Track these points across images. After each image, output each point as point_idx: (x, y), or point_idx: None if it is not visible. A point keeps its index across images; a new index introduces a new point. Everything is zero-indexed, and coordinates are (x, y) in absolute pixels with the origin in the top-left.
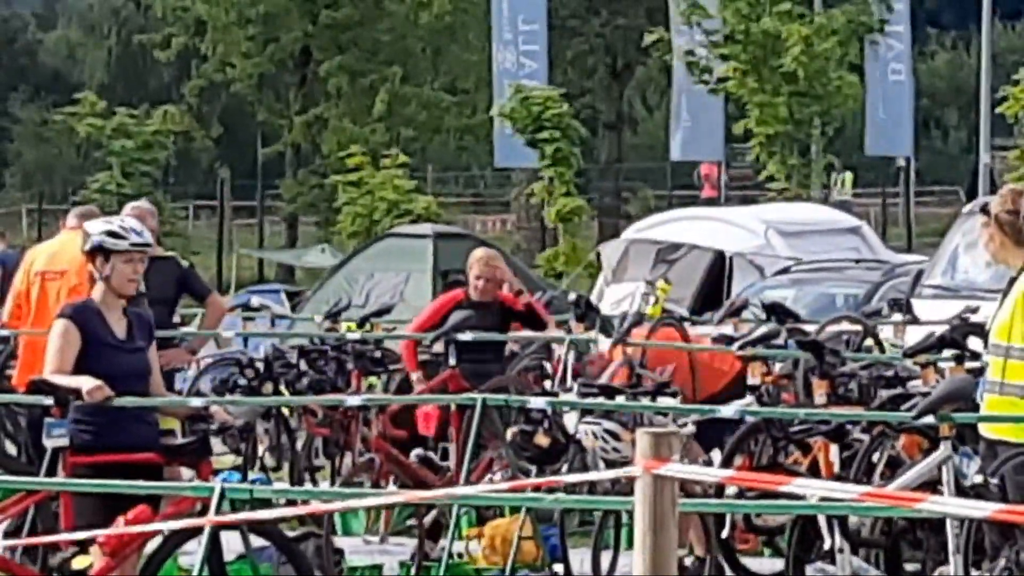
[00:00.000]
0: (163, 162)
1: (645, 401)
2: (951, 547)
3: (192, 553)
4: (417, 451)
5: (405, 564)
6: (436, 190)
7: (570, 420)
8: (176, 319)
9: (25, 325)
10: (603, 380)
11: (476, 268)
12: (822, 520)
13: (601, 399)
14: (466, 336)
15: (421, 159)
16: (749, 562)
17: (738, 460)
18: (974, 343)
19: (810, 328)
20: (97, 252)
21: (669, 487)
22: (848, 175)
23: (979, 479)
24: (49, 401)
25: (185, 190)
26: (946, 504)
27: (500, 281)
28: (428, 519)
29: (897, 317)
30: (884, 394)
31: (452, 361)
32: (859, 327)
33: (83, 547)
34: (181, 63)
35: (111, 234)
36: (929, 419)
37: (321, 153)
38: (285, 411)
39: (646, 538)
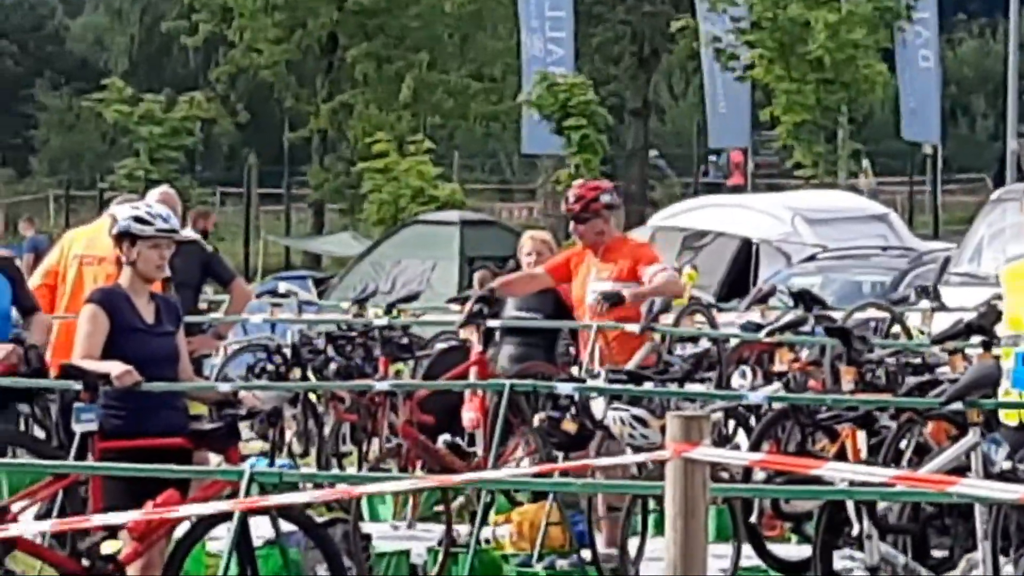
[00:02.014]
0: (190, 148)
1: (673, 387)
2: (979, 533)
3: (221, 538)
4: (444, 437)
5: (433, 550)
6: (462, 177)
7: (597, 406)
8: (203, 305)
9: (57, 307)
10: (631, 366)
11: (528, 245)
12: (850, 506)
13: (629, 385)
14: (494, 323)
15: (447, 146)
16: (776, 549)
17: (765, 447)
18: (1001, 330)
19: (837, 315)
20: (124, 237)
21: (700, 471)
22: (866, 163)
23: (1007, 465)
24: (78, 386)
25: (211, 176)
26: (978, 487)
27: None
28: (455, 504)
29: (924, 304)
30: (911, 381)
31: (479, 347)
32: (886, 314)
33: (112, 532)
34: (208, 49)
35: (138, 219)
36: (957, 406)
37: (347, 140)
38: (312, 397)
39: (676, 522)
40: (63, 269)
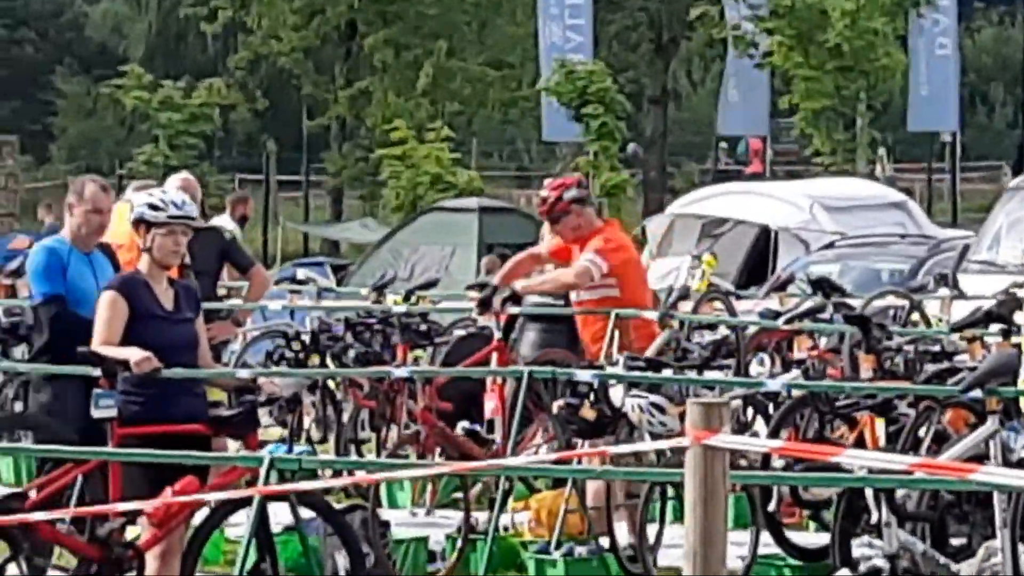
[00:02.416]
0: (209, 135)
1: (691, 374)
2: (998, 521)
3: (240, 525)
4: (463, 424)
5: (451, 537)
6: (480, 164)
7: (616, 393)
8: (222, 292)
9: None
10: (649, 353)
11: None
12: (869, 494)
13: (647, 372)
14: (514, 309)
15: (466, 133)
16: (794, 536)
17: (784, 434)
18: (1021, 318)
19: (856, 303)
20: (139, 224)
21: (720, 458)
22: (882, 151)
23: None
24: (97, 372)
25: (230, 163)
26: (996, 475)
27: None
28: (474, 491)
29: (943, 292)
30: (930, 368)
31: (498, 333)
32: (905, 302)
33: (131, 518)
34: (226, 36)
35: (151, 206)
36: (976, 393)
37: (366, 127)
38: (331, 384)
39: (696, 509)
40: None
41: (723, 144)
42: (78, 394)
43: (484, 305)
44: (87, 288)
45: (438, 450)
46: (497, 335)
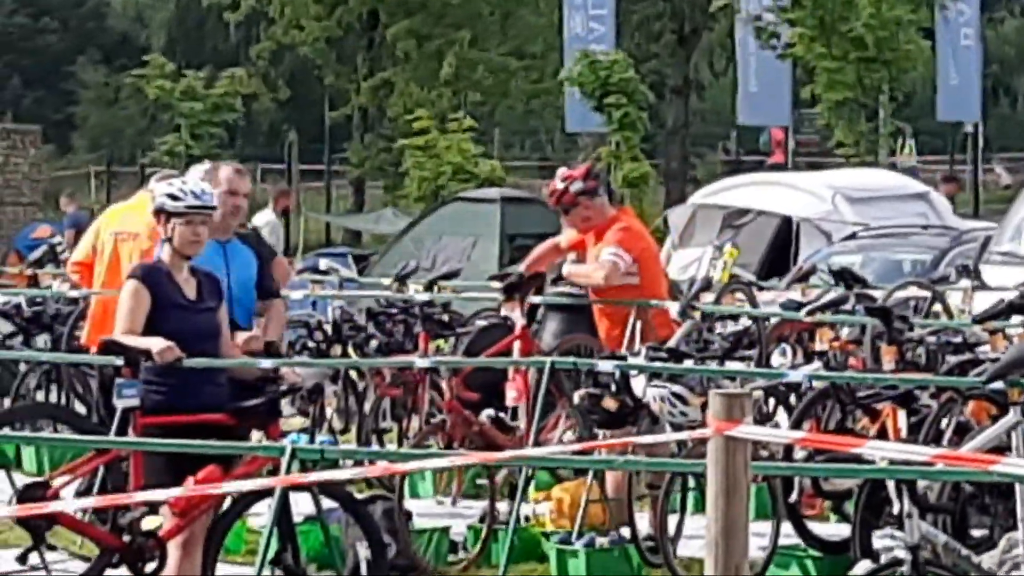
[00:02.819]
0: (231, 124)
1: (713, 365)
2: (1020, 512)
3: (262, 514)
4: (488, 412)
5: (473, 527)
6: (503, 154)
7: (638, 384)
8: None
9: (93, 284)
10: (671, 344)
11: None
12: (890, 485)
13: (669, 363)
14: (536, 299)
15: (488, 123)
16: (816, 527)
17: (805, 425)
18: None
19: (878, 294)
20: (159, 213)
21: (741, 449)
22: (911, 141)
23: None
24: (120, 362)
25: (252, 153)
26: (1018, 467)
27: None
28: (499, 478)
29: (965, 283)
30: (952, 360)
31: (522, 321)
32: (927, 293)
33: (153, 507)
34: (248, 26)
35: (170, 196)
36: (998, 385)
37: (388, 117)
38: (353, 373)
39: (718, 500)
40: (100, 246)
41: (733, 134)
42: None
43: (510, 290)
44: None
45: (462, 439)
46: (521, 322)
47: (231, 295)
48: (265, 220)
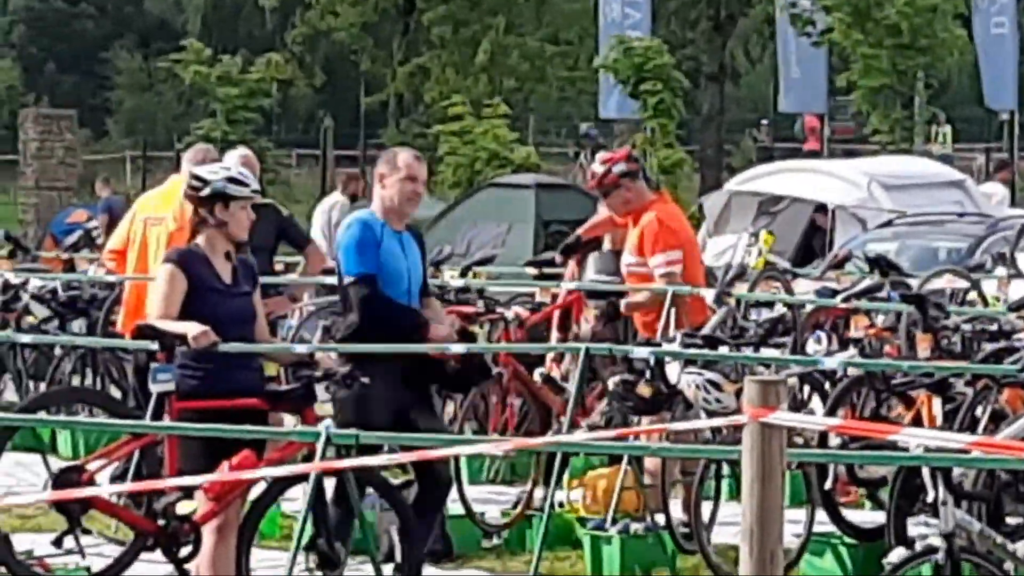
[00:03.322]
0: (267, 110)
1: (748, 352)
2: None
3: (296, 499)
4: (540, 370)
5: (507, 512)
6: (538, 140)
7: (672, 371)
8: (278, 267)
9: (126, 269)
10: (706, 331)
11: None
12: (925, 472)
13: (704, 349)
14: (570, 285)
15: (523, 109)
16: (850, 514)
17: (840, 412)
18: None
19: (913, 281)
20: (217, 198)
21: (777, 436)
22: (947, 129)
23: None
24: (155, 346)
25: (288, 138)
26: None
27: None
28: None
29: (1001, 271)
30: (988, 348)
31: (572, 284)
32: (962, 280)
33: (187, 492)
34: (284, 11)
35: (232, 180)
36: None
37: (423, 102)
38: None
39: (753, 486)
40: (133, 234)
41: (763, 121)
42: (389, 379)
43: (567, 251)
44: (398, 268)
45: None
46: (572, 285)
47: (408, 287)
48: (335, 201)
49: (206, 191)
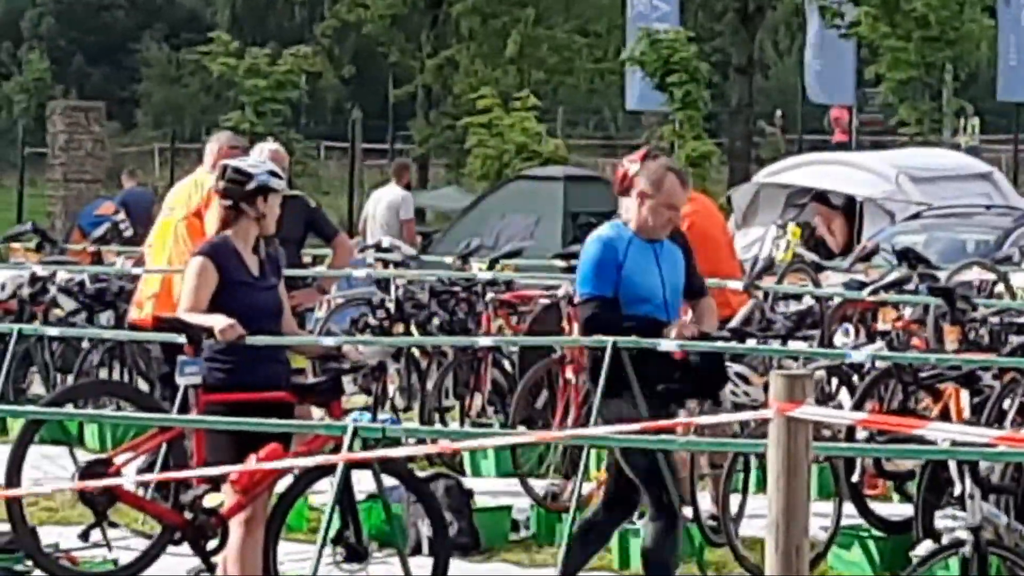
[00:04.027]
0: (295, 102)
1: (775, 345)
2: None
3: (323, 492)
4: None
5: (535, 506)
6: (566, 133)
7: None
8: (306, 259)
9: (151, 260)
10: (733, 323)
11: None
12: (953, 466)
13: (732, 343)
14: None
15: (551, 101)
16: (878, 507)
17: (868, 406)
18: None
19: (941, 274)
20: (260, 191)
21: (803, 430)
22: (976, 121)
23: None
24: (182, 339)
25: (316, 131)
26: None
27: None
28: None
29: None
30: (1015, 340)
31: None
32: (990, 273)
33: (215, 484)
34: (313, 3)
35: (273, 174)
36: None
37: (452, 95)
38: (415, 351)
39: (779, 481)
40: (159, 226)
41: (779, 112)
42: (639, 397)
43: None
44: (647, 283)
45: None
46: None
47: (664, 297)
48: (399, 194)
49: (252, 185)
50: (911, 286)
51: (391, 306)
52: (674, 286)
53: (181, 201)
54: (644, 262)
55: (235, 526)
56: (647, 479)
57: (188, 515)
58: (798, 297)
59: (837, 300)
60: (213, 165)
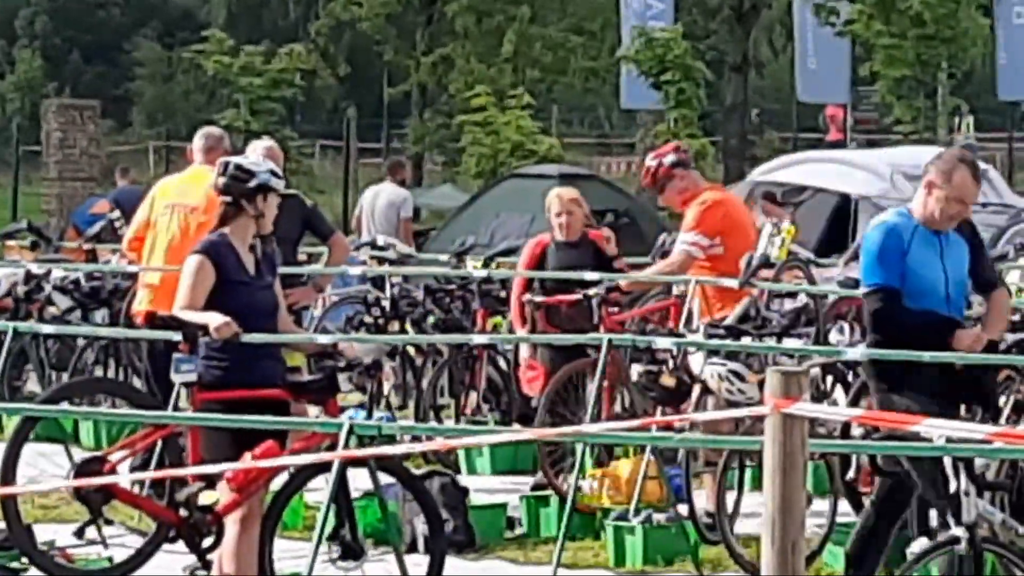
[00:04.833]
0: (290, 100)
1: (771, 342)
2: None
3: (319, 490)
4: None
5: (525, 497)
6: (561, 131)
7: (695, 361)
8: (302, 257)
9: (144, 257)
10: (729, 321)
11: (556, 206)
12: (948, 463)
13: (727, 340)
14: (593, 276)
15: (546, 100)
16: None
17: (863, 403)
18: None
19: None
20: (261, 190)
21: (799, 427)
22: (971, 119)
23: None
24: (177, 336)
25: (312, 129)
26: None
27: (585, 218)
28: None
29: (1023, 261)
30: (1010, 338)
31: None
32: None
33: (210, 482)
34: (308, 2)
35: (274, 173)
36: None
37: (448, 93)
38: (411, 349)
39: (775, 477)
40: (154, 219)
41: (755, 111)
42: (917, 391)
43: None
44: (929, 276)
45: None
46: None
47: (947, 291)
48: (401, 194)
49: (253, 183)
50: None
51: (386, 304)
52: (957, 280)
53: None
54: (927, 254)
55: (231, 523)
56: (926, 482)
57: (183, 513)
58: (793, 295)
59: (832, 298)
60: (209, 162)
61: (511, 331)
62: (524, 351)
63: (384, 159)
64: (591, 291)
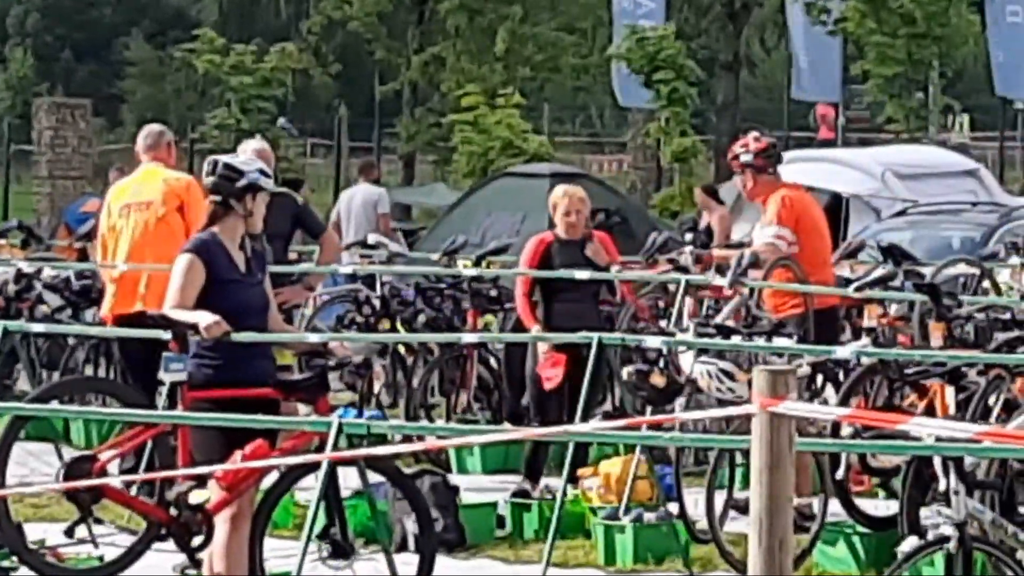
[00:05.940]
0: (281, 99)
1: (761, 341)
2: None
3: (309, 489)
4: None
5: (509, 501)
6: (553, 130)
7: (686, 360)
8: (292, 256)
9: (107, 256)
10: (719, 319)
11: (565, 205)
12: (937, 462)
13: (717, 339)
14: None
15: (538, 98)
16: (863, 504)
17: (853, 402)
18: None
19: (927, 270)
20: (250, 189)
21: (786, 425)
22: (965, 118)
23: None
24: (167, 335)
25: (303, 127)
26: None
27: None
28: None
29: (1014, 260)
30: (1001, 337)
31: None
32: (976, 270)
33: (200, 481)
34: (299, 1)
35: (263, 172)
36: None
37: (439, 92)
38: (401, 348)
39: (762, 476)
40: (113, 223)
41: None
42: None
43: None
44: None
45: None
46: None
47: None
48: (375, 191)
49: (243, 182)
50: (897, 283)
51: (377, 303)
52: None
53: (157, 196)
54: None
55: (221, 522)
56: None
57: (174, 511)
58: None
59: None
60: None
61: (502, 330)
62: (542, 347)
63: (377, 158)
64: (683, 254)
